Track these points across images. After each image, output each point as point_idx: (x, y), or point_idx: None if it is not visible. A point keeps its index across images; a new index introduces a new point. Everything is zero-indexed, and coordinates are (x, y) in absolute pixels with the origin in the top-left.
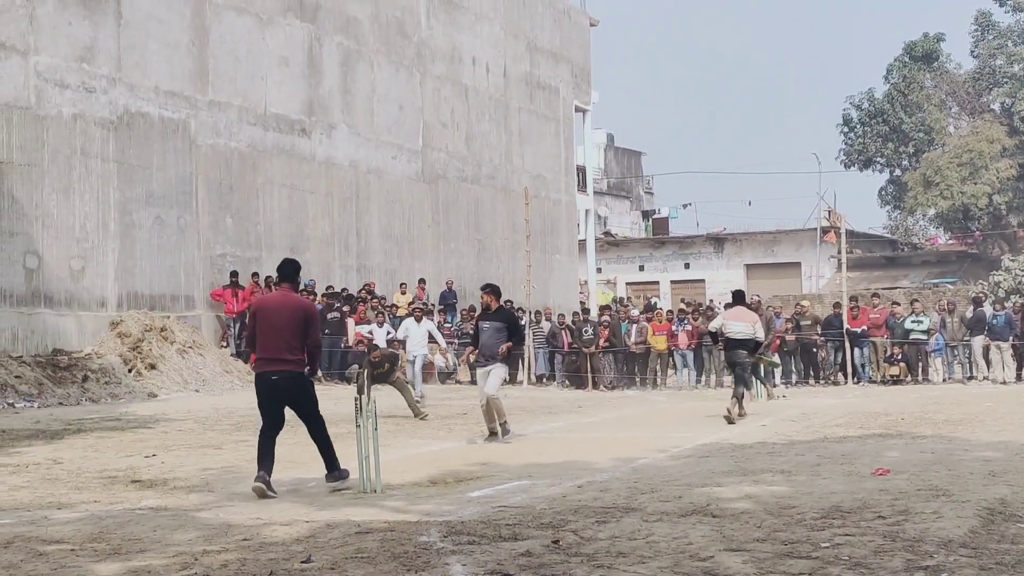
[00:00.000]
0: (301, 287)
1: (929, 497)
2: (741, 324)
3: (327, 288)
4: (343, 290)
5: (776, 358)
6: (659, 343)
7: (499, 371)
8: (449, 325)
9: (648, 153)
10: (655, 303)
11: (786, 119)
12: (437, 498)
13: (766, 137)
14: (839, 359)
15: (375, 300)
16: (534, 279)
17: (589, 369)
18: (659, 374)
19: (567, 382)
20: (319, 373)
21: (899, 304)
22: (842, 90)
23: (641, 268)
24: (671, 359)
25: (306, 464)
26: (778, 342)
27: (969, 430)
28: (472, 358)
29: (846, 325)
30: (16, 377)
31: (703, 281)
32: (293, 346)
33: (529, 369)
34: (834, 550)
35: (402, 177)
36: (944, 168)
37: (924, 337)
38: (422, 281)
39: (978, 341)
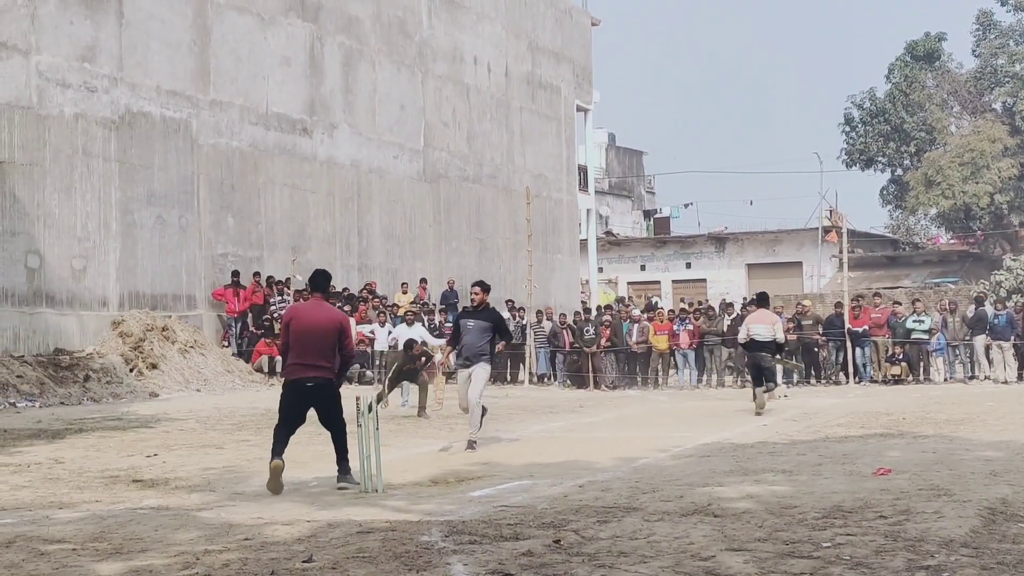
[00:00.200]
0: (301, 287)
1: (930, 497)
2: (763, 326)
3: None
4: (344, 289)
5: (796, 359)
6: (660, 343)
7: (482, 373)
8: (450, 324)
9: (649, 152)
10: (656, 303)
11: (788, 118)
12: (438, 498)
13: (768, 136)
14: (840, 359)
15: (376, 300)
16: (535, 279)
17: (590, 369)
18: (660, 374)
19: (568, 382)
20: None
21: (900, 304)
22: (844, 89)
23: (642, 268)
24: (672, 359)
25: (307, 464)
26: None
27: (970, 430)
28: (450, 359)
29: (847, 325)
30: (18, 377)
31: (704, 281)
32: (328, 354)
33: (530, 369)
34: (835, 550)
35: (403, 177)
36: (945, 168)
37: (925, 337)
38: (423, 281)
39: (979, 341)
